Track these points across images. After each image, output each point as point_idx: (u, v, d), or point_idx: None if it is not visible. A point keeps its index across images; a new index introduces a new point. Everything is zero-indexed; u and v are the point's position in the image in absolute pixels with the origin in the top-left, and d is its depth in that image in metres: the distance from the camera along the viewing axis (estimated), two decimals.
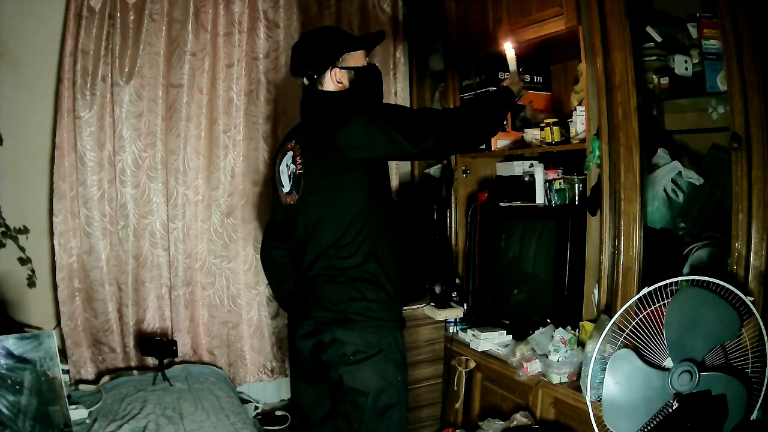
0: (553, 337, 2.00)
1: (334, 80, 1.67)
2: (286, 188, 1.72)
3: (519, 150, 2.45)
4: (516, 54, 1.92)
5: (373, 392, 1.58)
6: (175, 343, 2.59)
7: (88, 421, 2.11)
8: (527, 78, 2.46)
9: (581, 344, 1.96)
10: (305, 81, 1.72)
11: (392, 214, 1.71)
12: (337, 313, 1.60)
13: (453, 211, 2.79)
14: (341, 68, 1.67)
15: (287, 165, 1.72)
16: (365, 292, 1.60)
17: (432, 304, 2.55)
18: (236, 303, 2.88)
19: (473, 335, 2.33)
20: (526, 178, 2.42)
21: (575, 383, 1.89)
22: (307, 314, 1.66)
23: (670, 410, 1.41)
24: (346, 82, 1.68)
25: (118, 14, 2.55)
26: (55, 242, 2.54)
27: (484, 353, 2.27)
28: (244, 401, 2.78)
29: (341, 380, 1.60)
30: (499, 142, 2.52)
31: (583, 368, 1.83)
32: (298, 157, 1.67)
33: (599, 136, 1.93)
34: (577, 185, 2.18)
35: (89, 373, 2.64)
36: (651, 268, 1.79)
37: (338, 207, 1.60)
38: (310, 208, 1.65)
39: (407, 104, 3.32)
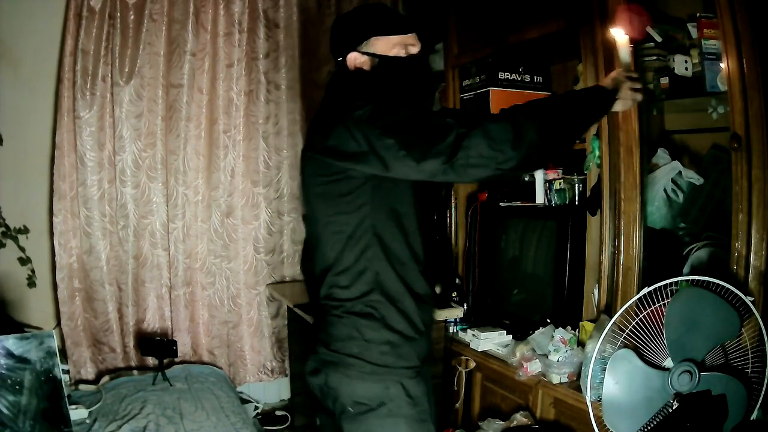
0: (553, 337, 2.00)
1: (351, 67, 1.38)
2: (301, 193, 1.52)
3: None
4: (632, 40, 1.44)
5: None
6: (175, 343, 2.59)
7: (88, 421, 2.11)
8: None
9: (581, 344, 1.95)
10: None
11: (416, 230, 1.34)
12: (333, 353, 1.33)
13: (453, 211, 2.78)
14: (362, 53, 1.36)
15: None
16: (364, 330, 1.30)
17: None
18: (236, 303, 2.88)
19: (473, 335, 2.33)
20: (526, 178, 2.42)
21: (575, 383, 1.89)
22: (314, 347, 1.40)
23: (670, 410, 1.41)
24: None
25: (118, 14, 2.55)
26: (55, 242, 2.55)
27: (484, 353, 2.27)
28: (244, 401, 2.79)
29: None
30: None
31: (583, 368, 1.83)
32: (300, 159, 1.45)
33: (599, 136, 1.93)
34: (577, 185, 2.17)
35: (89, 373, 2.64)
36: (651, 268, 1.79)
37: (333, 222, 1.31)
38: (310, 221, 1.39)
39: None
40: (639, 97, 1.39)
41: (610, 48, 1.82)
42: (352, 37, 1.38)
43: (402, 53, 1.36)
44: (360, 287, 1.30)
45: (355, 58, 1.37)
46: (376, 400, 1.29)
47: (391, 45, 1.36)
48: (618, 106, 1.37)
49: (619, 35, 1.46)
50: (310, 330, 1.48)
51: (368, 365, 1.30)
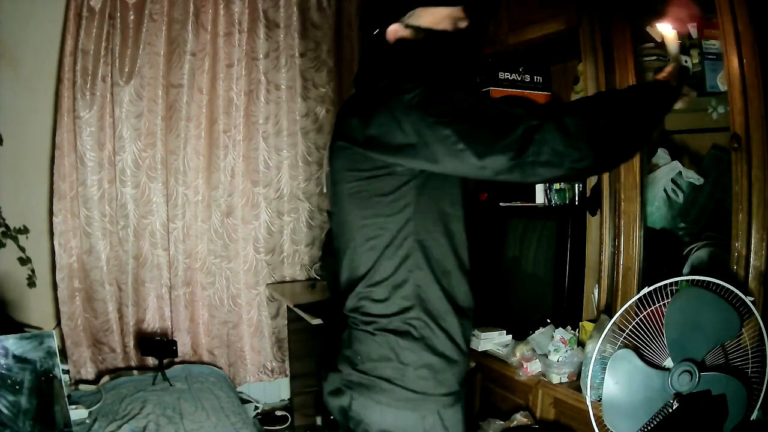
0: (553, 337, 2.00)
1: (392, 41, 1.18)
2: (328, 189, 1.38)
3: None
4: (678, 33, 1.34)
5: None
6: (175, 343, 2.59)
7: (88, 421, 2.11)
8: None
9: (581, 344, 1.95)
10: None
11: (464, 234, 1.19)
12: (362, 374, 1.15)
13: None
14: (406, 26, 1.16)
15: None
16: (401, 351, 1.12)
17: None
18: (236, 303, 2.88)
19: (473, 335, 2.33)
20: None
21: (575, 383, 1.89)
22: (335, 365, 1.21)
23: (670, 410, 1.41)
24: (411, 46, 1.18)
25: (118, 14, 2.55)
26: (55, 242, 2.54)
27: (484, 353, 2.26)
28: (244, 401, 2.79)
29: None
30: None
31: (583, 368, 1.83)
32: (328, 150, 1.26)
33: None
34: (577, 185, 2.17)
35: (89, 373, 2.64)
36: (651, 268, 1.79)
37: (368, 226, 1.13)
38: (338, 223, 1.21)
39: None
40: (694, 93, 1.26)
41: (610, 48, 1.83)
42: (395, 6, 1.17)
43: (449, 28, 1.17)
44: (398, 302, 1.12)
45: (396, 31, 1.16)
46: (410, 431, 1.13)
47: (439, 18, 1.17)
48: (678, 103, 1.21)
49: (667, 29, 1.34)
50: (327, 341, 1.28)
51: (403, 391, 1.12)
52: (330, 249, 1.36)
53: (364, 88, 1.18)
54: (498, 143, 0.98)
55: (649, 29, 1.60)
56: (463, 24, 1.19)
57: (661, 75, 1.18)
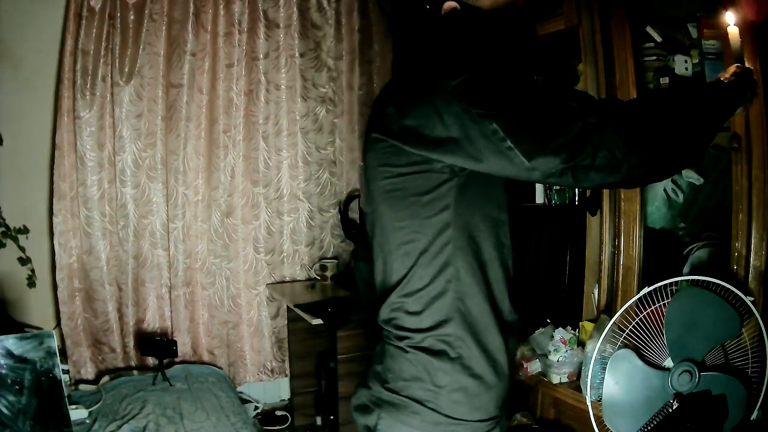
0: (553, 337, 2.00)
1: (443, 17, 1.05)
2: (362, 186, 1.21)
3: None
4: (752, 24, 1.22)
5: None
6: (175, 343, 2.59)
7: (88, 421, 2.11)
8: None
9: (581, 344, 1.96)
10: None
11: (510, 241, 1.10)
12: (392, 393, 1.04)
13: None
14: (460, 3, 1.03)
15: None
16: (434, 372, 1.01)
17: None
18: (236, 303, 2.88)
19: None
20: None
21: (575, 383, 1.89)
22: (365, 380, 1.13)
23: (670, 410, 1.41)
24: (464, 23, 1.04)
25: (118, 14, 2.55)
26: (55, 242, 2.54)
27: None
28: (244, 401, 2.79)
29: None
30: None
31: (583, 368, 1.83)
32: (362, 143, 1.15)
33: None
34: None
35: (89, 373, 2.64)
36: (651, 268, 1.79)
37: (403, 229, 1.01)
38: (372, 223, 1.10)
39: None
40: (755, 98, 1.12)
41: (610, 48, 1.83)
42: None
43: (505, 6, 1.04)
44: (434, 315, 1.01)
45: (449, 8, 1.04)
46: None
47: None
48: (739, 108, 1.09)
49: (731, 26, 1.23)
50: (371, 354, 1.17)
51: (435, 415, 1.01)
52: (361, 253, 1.27)
53: (403, 73, 1.05)
54: (551, 143, 0.87)
55: (717, 18, 1.43)
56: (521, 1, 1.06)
57: (724, 76, 1.06)
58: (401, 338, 1.04)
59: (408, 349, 1.03)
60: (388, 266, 1.05)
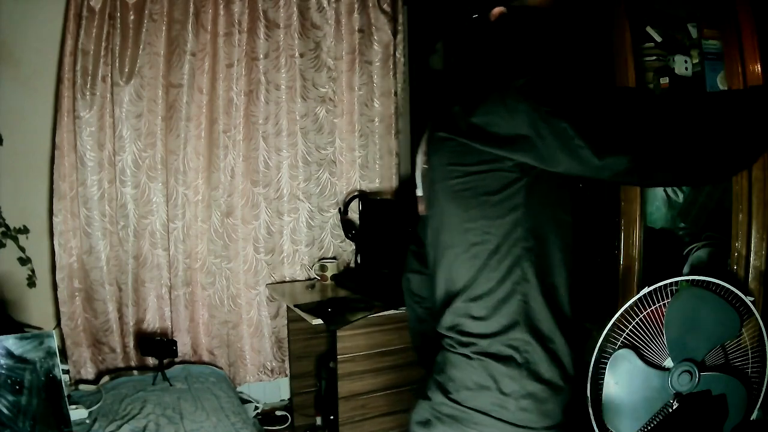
0: None
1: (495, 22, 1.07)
2: (419, 190, 1.23)
3: None
4: None
5: None
6: (175, 343, 2.59)
7: (88, 421, 2.11)
8: None
9: None
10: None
11: (574, 243, 1.04)
12: (455, 405, 1.02)
13: None
14: (512, 6, 1.04)
15: (420, 154, 1.20)
16: (501, 378, 0.99)
17: None
18: (236, 303, 2.88)
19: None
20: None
21: None
22: (425, 391, 1.09)
23: (670, 410, 1.41)
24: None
25: (118, 14, 2.55)
26: (55, 242, 2.54)
27: None
28: (244, 401, 2.79)
29: None
30: None
31: None
32: (426, 144, 1.14)
33: None
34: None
35: (89, 373, 2.64)
36: (651, 268, 1.79)
37: (472, 231, 1.00)
38: (434, 227, 1.08)
39: (407, 106, 3.31)
40: None
41: (611, 47, 1.82)
42: None
43: (554, 6, 1.05)
44: (500, 320, 0.99)
45: (500, 13, 1.05)
46: None
47: None
48: None
49: None
50: (429, 354, 1.14)
51: (502, 424, 0.98)
52: (412, 265, 1.28)
53: (464, 77, 1.04)
54: (620, 141, 0.87)
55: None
56: None
57: None
58: (466, 344, 1.02)
59: (473, 356, 1.01)
60: (454, 271, 1.04)
